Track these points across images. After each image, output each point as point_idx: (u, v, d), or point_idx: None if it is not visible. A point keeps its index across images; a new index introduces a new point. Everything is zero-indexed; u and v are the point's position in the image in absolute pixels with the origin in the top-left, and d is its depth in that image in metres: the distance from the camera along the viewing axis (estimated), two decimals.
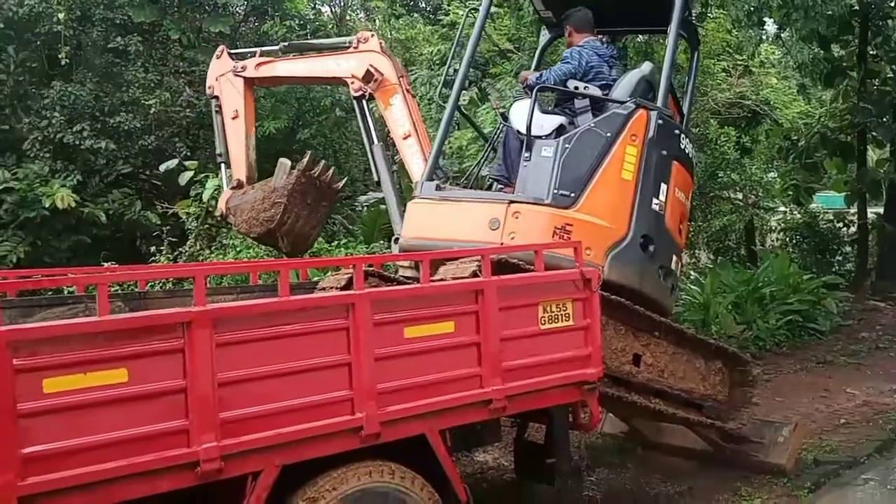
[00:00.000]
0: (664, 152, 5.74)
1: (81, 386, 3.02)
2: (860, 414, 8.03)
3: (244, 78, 7.80)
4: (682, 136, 6.11)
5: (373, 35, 7.38)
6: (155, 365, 3.19)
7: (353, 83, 7.20)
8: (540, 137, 5.76)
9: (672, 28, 6.12)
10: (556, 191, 5.48)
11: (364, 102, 7.33)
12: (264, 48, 8.30)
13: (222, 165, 8.04)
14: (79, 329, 3.08)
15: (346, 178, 9.57)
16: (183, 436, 3.24)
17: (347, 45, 7.42)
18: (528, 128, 5.69)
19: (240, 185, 7.74)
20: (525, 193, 5.60)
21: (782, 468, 6.35)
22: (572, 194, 5.47)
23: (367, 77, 7.01)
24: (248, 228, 7.45)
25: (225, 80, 7.88)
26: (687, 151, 6.17)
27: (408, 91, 7.17)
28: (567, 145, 5.61)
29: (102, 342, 3.07)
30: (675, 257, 5.85)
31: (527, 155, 5.72)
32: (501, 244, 5.30)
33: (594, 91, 5.97)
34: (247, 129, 7.87)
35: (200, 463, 3.26)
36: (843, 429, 7.62)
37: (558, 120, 5.97)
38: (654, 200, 5.66)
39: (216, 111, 8.02)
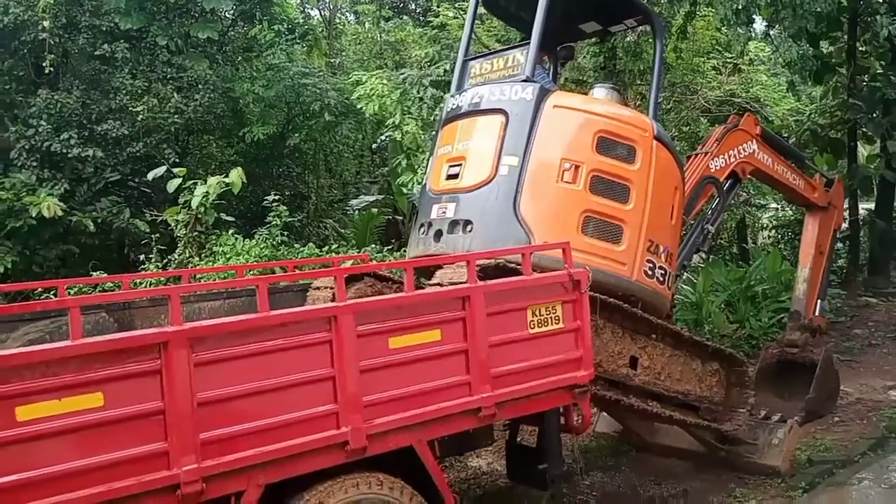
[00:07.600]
0: (434, 132, 6.38)
1: (56, 412, 2.95)
2: (854, 412, 8.03)
3: None
4: (453, 98, 6.20)
5: None
6: (132, 387, 3.12)
7: None
8: None
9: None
10: None
11: None
12: None
13: None
14: (52, 355, 3.00)
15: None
16: (163, 458, 3.17)
17: None
18: None
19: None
20: None
21: (777, 470, 6.34)
22: None
23: None
24: None
25: None
26: (458, 106, 6.03)
27: None
28: None
29: (77, 366, 3.00)
30: (434, 207, 5.78)
31: None
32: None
33: None
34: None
35: (181, 486, 3.20)
36: (836, 427, 7.61)
37: None
38: (424, 180, 6.26)
39: None
